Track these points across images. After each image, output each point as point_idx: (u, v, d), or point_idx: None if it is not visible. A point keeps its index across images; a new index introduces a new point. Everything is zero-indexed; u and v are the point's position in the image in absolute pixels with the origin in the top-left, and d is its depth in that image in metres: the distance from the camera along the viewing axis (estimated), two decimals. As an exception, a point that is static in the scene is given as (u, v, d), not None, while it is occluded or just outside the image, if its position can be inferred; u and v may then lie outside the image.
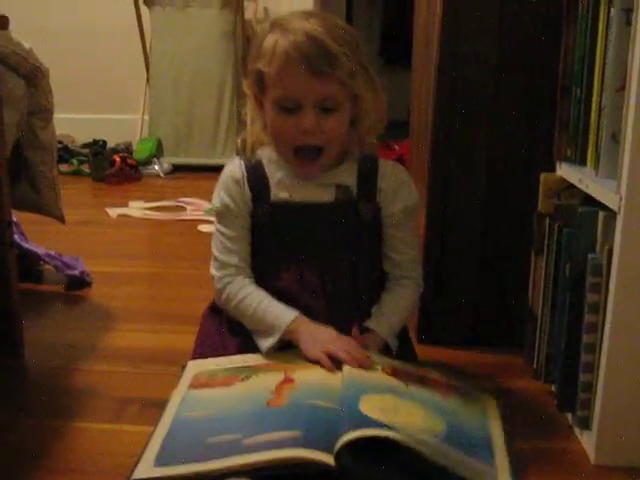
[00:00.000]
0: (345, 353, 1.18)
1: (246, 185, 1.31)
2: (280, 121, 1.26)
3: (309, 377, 1.16)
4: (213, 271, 1.34)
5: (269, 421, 1.05)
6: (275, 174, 1.32)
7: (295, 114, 1.24)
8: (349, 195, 1.31)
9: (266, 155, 1.34)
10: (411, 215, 1.36)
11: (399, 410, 1.06)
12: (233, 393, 1.16)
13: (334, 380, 1.14)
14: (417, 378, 1.21)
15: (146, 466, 1.02)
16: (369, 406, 1.03)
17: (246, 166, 1.33)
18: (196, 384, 1.22)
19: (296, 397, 1.11)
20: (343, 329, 1.25)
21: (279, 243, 1.31)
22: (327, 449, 0.97)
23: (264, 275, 1.32)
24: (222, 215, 1.34)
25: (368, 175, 1.32)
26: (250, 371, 1.22)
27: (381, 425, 0.98)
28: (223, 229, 1.33)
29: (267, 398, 1.12)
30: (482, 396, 1.25)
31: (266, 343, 1.27)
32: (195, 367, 1.28)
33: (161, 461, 1.02)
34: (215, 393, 1.18)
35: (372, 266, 1.34)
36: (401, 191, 1.33)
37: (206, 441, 1.04)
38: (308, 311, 1.27)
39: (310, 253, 1.30)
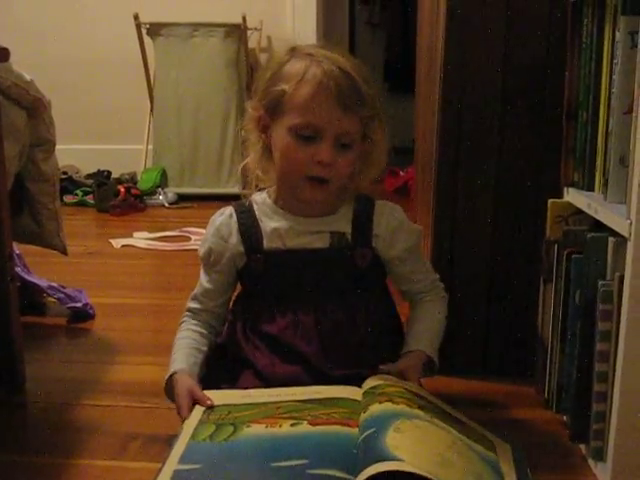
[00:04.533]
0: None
1: (238, 236, 1.30)
2: (295, 148, 1.22)
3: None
4: None
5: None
6: (269, 222, 1.30)
7: (312, 144, 1.22)
8: (344, 242, 1.29)
9: (260, 200, 1.33)
10: (414, 249, 1.35)
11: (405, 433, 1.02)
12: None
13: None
14: (435, 406, 1.17)
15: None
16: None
17: (238, 217, 1.31)
18: None
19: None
20: (338, 376, 1.23)
21: (274, 290, 1.29)
22: None
23: (259, 320, 1.29)
24: (202, 263, 1.35)
25: (363, 221, 1.30)
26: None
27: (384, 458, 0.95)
28: (201, 275, 1.36)
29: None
30: (496, 440, 1.20)
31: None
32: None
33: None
34: None
35: (370, 312, 1.31)
36: (398, 234, 1.31)
37: None
38: (303, 357, 1.25)
39: (305, 299, 1.29)
